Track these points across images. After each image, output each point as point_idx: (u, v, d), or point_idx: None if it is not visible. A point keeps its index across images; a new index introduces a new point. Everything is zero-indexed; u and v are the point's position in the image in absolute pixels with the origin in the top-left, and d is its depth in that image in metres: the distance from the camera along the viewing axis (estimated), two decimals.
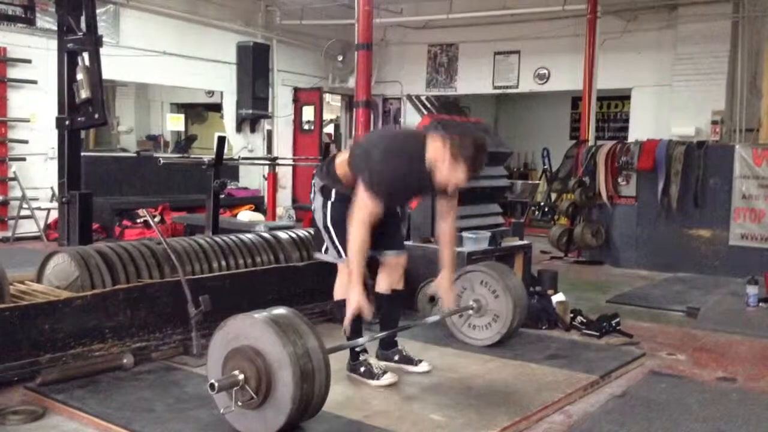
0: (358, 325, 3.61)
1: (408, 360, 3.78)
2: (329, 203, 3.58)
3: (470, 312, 4.23)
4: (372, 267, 3.69)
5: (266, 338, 2.75)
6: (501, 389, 3.54)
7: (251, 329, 2.81)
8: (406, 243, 5.30)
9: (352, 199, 3.38)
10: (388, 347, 3.81)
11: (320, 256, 3.75)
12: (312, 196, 3.72)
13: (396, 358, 3.78)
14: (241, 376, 2.75)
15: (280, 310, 2.94)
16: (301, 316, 2.92)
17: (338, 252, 3.56)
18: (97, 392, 3.32)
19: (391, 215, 3.71)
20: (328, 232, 3.59)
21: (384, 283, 3.76)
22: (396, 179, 3.34)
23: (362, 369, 3.56)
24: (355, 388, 3.51)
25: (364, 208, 3.32)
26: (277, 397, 2.73)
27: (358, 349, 3.61)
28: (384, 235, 3.59)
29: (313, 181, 3.72)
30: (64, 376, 3.43)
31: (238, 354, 2.79)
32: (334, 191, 3.57)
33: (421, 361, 3.78)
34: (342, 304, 3.58)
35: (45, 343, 3.45)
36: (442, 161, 3.30)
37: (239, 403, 2.77)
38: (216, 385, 2.72)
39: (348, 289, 3.38)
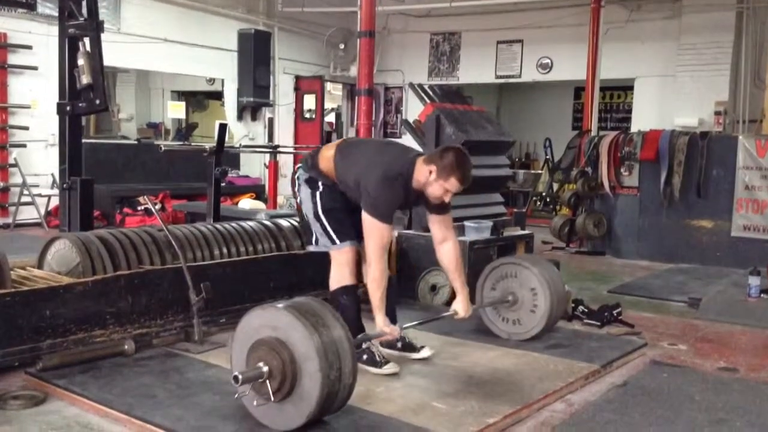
0: (356, 311, 3.63)
1: (410, 347, 3.79)
2: (318, 193, 3.58)
3: (506, 305, 4.16)
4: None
5: (293, 330, 2.69)
6: (503, 378, 3.54)
7: (276, 320, 2.75)
8: (408, 232, 5.32)
9: (338, 188, 3.47)
10: None
11: (312, 248, 3.74)
12: (297, 188, 3.71)
13: (399, 345, 3.78)
14: (266, 368, 2.69)
15: (306, 300, 2.90)
16: (327, 306, 2.88)
17: (331, 239, 3.56)
18: (99, 378, 3.32)
19: None
20: (320, 221, 3.58)
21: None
22: (394, 198, 3.41)
23: (365, 357, 3.56)
24: (358, 376, 3.50)
25: (379, 236, 3.36)
26: (303, 389, 2.67)
27: (359, 337, 3.59)
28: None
29: (297, 174, 3.71)
30: (65, 361, 3.43)
31: (263, 345, 2.73)
32: (320, 183, 3.58)
33: (423, 346, 3.79)
34: (338, 292, 3.57)
35: (46, 328, 3.45)
36: (431, 182, 3.38)
37: (266, 394, 2.70)
38: (240, 377, 2.66)
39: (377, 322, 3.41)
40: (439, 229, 3.65)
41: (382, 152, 3.62)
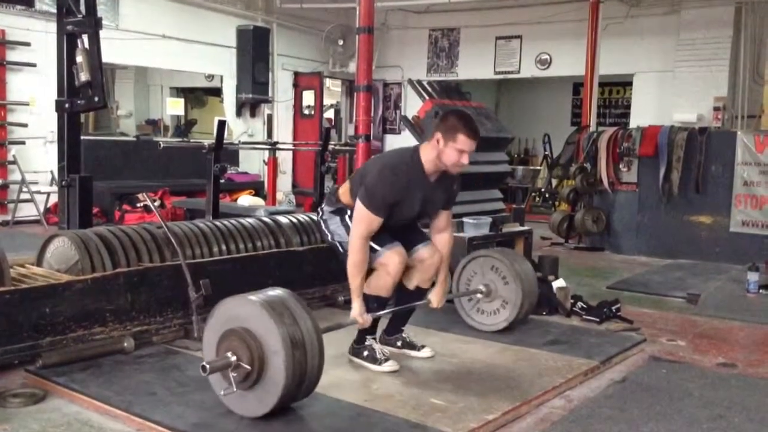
0: (375, 324, 3.62)
1: (411, 345, 3.79)
2: (346, 216, 3.55)
3: (479, 296, 4.21)
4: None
5: (260, 320, 2.75)
6: (502, 374, 3.55)
7: (245, 311, 2.81)
8: None
9: None
10: (392, 333, 3.82)
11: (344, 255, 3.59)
12: (325, 226, 3.67)
13: (399, 343, 3.79)
14: (234, 358, 2.75)
15: (275, 292, 2.94)
16: (296, 297, 2.92)
17: (372, 250, 3.46)
18: (98, 375, 3.32)
19: (414, 228, 3.72)
20: None
21: (410, 281, 3.67)
22: (391, 190, 3.36)
23: (365, 353, 3.56)
24: (356, 372, 3.52)
25: (361, 222, 3.35)
26: (269, 379, 2.74)
27: (367, 335, 3.60)
28: (410, 232, 3.62)
29: (320, 217, 3.71)
30: (65, 359, 3.43)
31: (231, 335, 2.79)
32: (347, 210, 3.56)
33: (423, 346, 3.79)
34: (372, 298, 3.52)
35: (45, 326, 3.45)
36: (443, 150, 3.34)
37: (233, 385, 2.77)
38: (208, 367, 2.73)
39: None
40: (440, 220, 3.67)
41: (384, 154, 3.74)
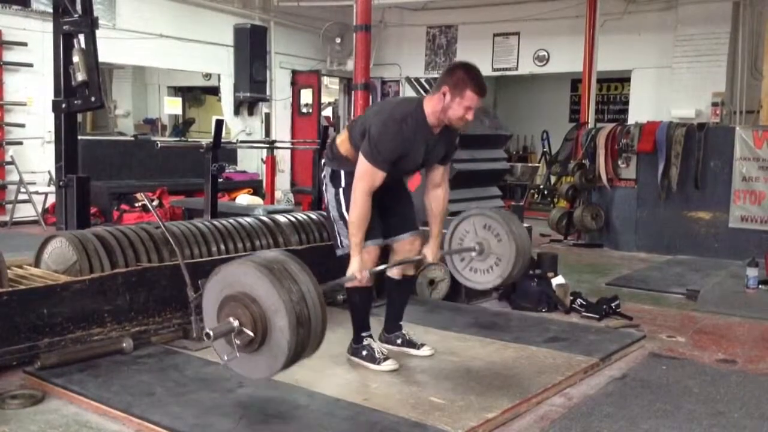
0: (365, 311, 3.61)
1: (411, 344, 3.77)
2: (341, 190, 3.50)
3: (472, 254, 4.12)
4: (383, 250, 3.62)
5: (261, 285, 2.71)
6: (501, 372, 3.54)
7: (245, 276, 2.77)
8: None
9: None
10: (391, 330, 3.80)
11: (339, 251, 3.58)
12: (324, 188, 3.63)
13: (399, 341, 3.78)
14: (236, 323, 2.71)
15: (272, 254, 2.92)
16: (295, 259, 2.90)
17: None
18: (97, 376, 3.31)
19: (401, 192, 3.67)
20: (344, 220, 3.47)
21: (396, 270, 3.69)
22: (398, 143, 3.29)
23: (364, 353, 3.56)
24: (356, 372, 3.51)
25: (365, 176, 3.28)
26: (274, 342, 2.70)
27: (363, 334, 3.60)
28: (395, 216, 3.57)
29: (323, 173, 3.63)
30: (63, 360, 3.42)
31: (232, 301, 2.76)
32: (343, 176, 3.48)
33: (423, 344, 3.78)
34: (352, 291, 3.55)
35: (44, 327, 3.44)
36: (449, 104, 3.27)
37: (235, 350, 2.74)
38: (212, 333, 2.70)
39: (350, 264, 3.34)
40: (436, 174, 3.62)
41: (387, 102, 3.66)
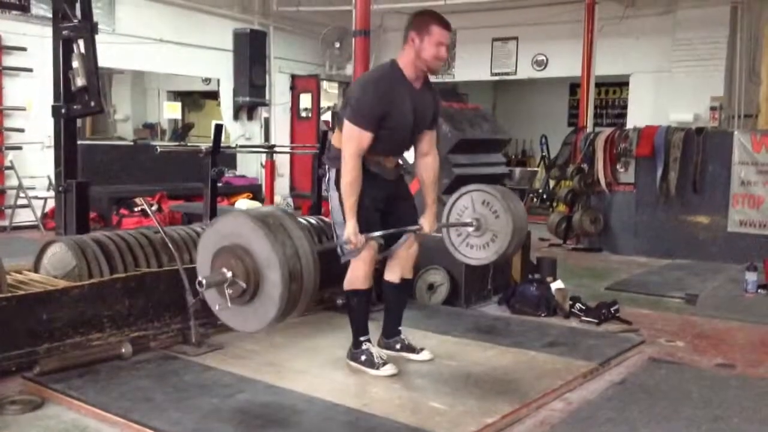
0: (364, 314, 3.61)
1: (410, 348, 3.77)
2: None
3: (469, 230, 4.00)
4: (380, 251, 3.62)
5: (255, 238, 2.73)
6: (501, 377, 3.54)
7: (241, 229, 2.79)
8: None
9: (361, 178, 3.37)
10: (390, 335, 3.80)
11: (344, 258, 3.56)
12: (325, 192, 3.65)
13: (398, 346, 3.77)
14: (230, 274, 2.74)
15: (269, 209, 2.95)
16: (291, 215, 2.91)
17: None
18: (96, 382, 3.31)
19: (402, 196, 3.67)
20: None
21: (394, 273, 3.70)
22: (378, 99, 3.34)
23: (363, 357, 3.56)
24: (355, 376, 3.51)
25: (351, 140, 3.33)
26: (265, 295, 2.73)
27: (362, 338, 3.60)
28: (397, 222, 3.57)
29: (326, 176, 3.63)
30: (63, 365, 3.42)
31: (226, 252, 2.78)
32: None
33: (422, 349, 3.77)
34: (351, 294, 3.56)
35: (43, 332, 3.44)
36: (420, 47, 3.39)
37: (228, 300, 2.77)
38: (204, 282, 2.73)
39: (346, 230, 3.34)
40: (425, 142, 3.64)
41: (362, 74, 3.79)
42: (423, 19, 3.42)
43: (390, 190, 3.59)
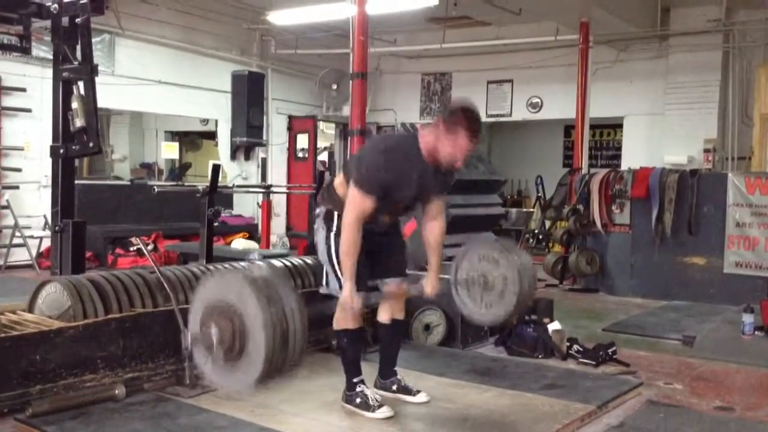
0: (355, 354, 3.59)
1: (406, 390, 3.74)
2: (332, 234, 3.49)
3: (477, 288, 4.00)
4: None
5: (246, 299, 2.71)
6: (498, 420, 3.51)
7: (232, 288, 2.78)
8: None
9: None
10: (386, 376, 3.77)
11: (323, 290, 3.63)
12: (315, 227, 3.65)
13: (394, 387, 3.74)
14: (216, 333, 2.72)
15: (263, 271, 2.95)
16: (284, 279, 2.91)
17: (341, 284, 3.44)
18: (89, 424, 3.27)
19: (392, 234, 3.68)
20: (332, 264, 3.47)
21: (385, 313, 3.70)
22: (390, 174, 3.32)
23: (358, 400, 3.52)
24: (350, 420, 3.47)
25: (354, 205, 3.31)
26: (250, 357, 2.70)
27: (355, 380, 3.57)
28: (388, 259, 3.57)
29: (316, 211, 3.65)
30: (55, 407, 3.38)
31: (215, 311, 2.76)
32: (336, 218, 3.48)
33: (419, 391, 3.74)
34: (341, 334, 3.56)
35: (36, 373, 3.40)
36: (442, 141, 3.31)
37: (213, 356, 2.75)
38: (191, 338, 2.76)
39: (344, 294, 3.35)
40: (433, 207, 3.62)
41: (384, 135, 3.67)
42: (456, 118, 3.30)
43: (381, 233, 3.59)
